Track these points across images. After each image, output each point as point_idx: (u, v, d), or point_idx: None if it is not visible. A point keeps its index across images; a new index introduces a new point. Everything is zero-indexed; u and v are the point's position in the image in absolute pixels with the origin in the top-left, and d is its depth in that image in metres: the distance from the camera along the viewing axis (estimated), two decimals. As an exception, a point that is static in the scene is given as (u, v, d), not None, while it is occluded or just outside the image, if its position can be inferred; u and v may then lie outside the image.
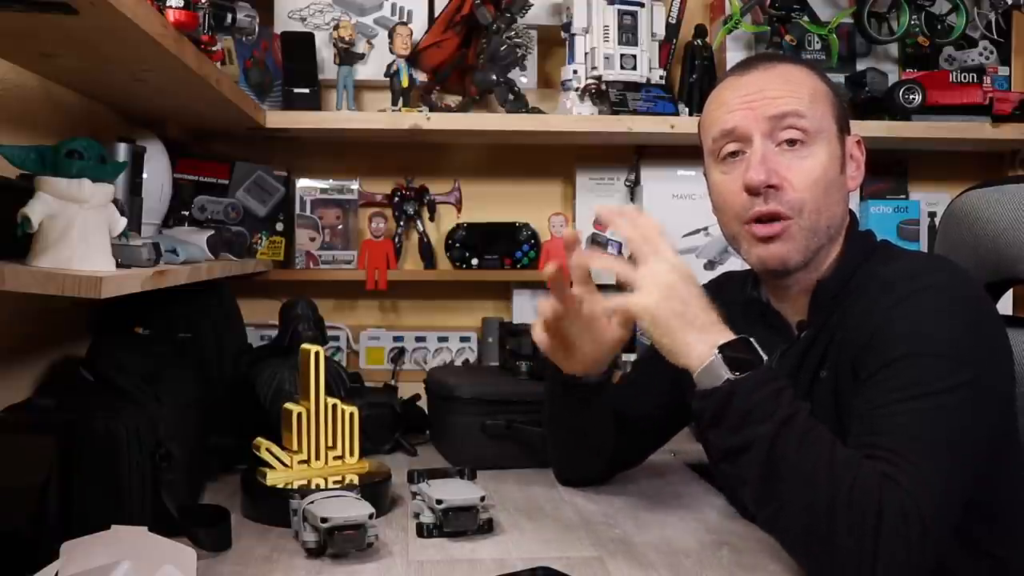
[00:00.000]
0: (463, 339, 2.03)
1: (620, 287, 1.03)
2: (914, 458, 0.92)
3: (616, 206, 1.09)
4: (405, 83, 1.86)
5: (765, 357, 0.98)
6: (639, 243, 1.02)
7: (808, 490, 0.91)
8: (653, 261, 1.00)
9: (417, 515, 1.18)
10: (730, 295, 1.25)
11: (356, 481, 1.25)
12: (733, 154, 1.13)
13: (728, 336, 0.98)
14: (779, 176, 1.09)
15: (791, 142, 1.10)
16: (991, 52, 2.02)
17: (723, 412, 0.96)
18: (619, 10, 1.87)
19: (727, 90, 1.16)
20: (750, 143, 1.11)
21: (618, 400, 1.31)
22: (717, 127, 1.14)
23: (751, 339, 0.98)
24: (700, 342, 0.97)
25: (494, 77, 1.86)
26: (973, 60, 2.01)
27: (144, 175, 1.42)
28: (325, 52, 1.91)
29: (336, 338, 2.00)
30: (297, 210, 1.94)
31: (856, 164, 1.17)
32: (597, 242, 1.99)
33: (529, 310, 2.01)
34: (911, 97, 1.90)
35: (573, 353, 1.19)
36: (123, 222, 1.05)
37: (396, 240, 1.98)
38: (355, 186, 1.98)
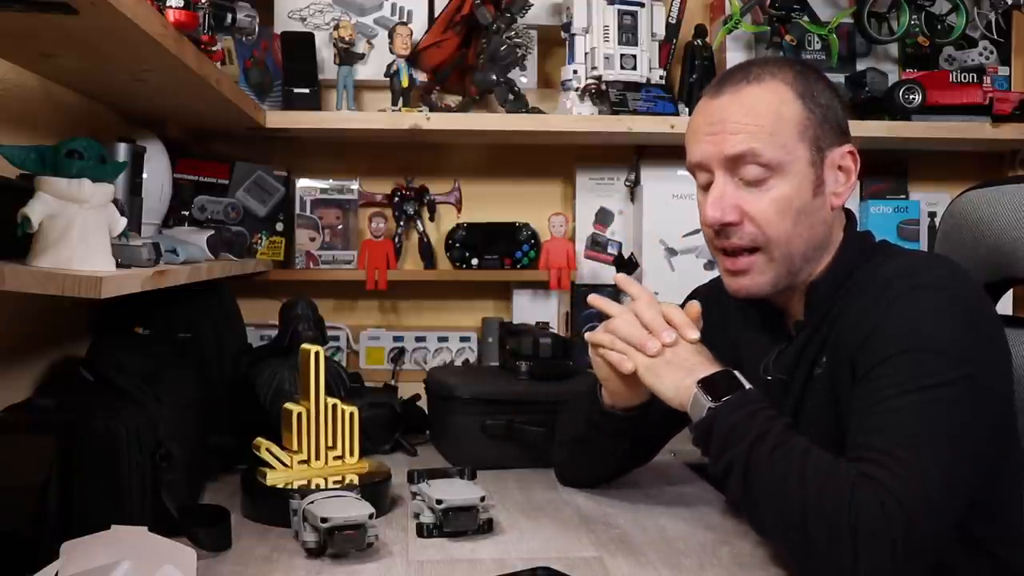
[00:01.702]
0: (463, 339, 2.03)
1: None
2: (905, 454, 0.92)
3: (604, 299, 1.20)
4: (405, 83, 1.86)
5: (747, 386, 1.04)
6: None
7: (781, 501, 0.95)
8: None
9: (417, 515, 1.18)
10: (728, 294, 1.25)
11: (356, 481, 1.25)
12: (706, 184, 1.13)
13: (711, 370, 1.06)
14: (739, 212, 1.09)
15: (753, 179, 1.08)
16: (991, 52, 2.02)
17: (708, 440, 1.02)
18: (619, 10, 1.88)
19: (700, 115, 1.14)
20: (714, 177, 1.11)
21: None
22: (689, 155, 1.15)
23: (734, 372, 1.05)
24: (685, 381, 1.06)
25: (494, 77, 1.86)
26: (973, 60, 2.01)
27: (144, 175, 1.42)
28: (325, 52, 1.91)
29: (336, 338, 2.00)
30: (297, 210, 1.95)
31: (845, 176, 1.12)
32: (597, 242, 1.99)
33: (529, 310, 2.01)
34: (911, 97, 1.90)
35: (625, 382, 1.17)
36: (123, 222, 1.05)
37: (396, 240, 1.98)
38: (355, 186, 1.98)
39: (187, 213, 1.70)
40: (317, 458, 1.28)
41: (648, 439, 1.35)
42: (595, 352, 1.18)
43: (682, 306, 1.38)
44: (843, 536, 0.89)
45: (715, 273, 1.49)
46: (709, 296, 1.34)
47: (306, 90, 1.87)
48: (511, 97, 1.87)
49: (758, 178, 1.08)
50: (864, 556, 0.88)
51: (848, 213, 1.17)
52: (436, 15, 1.93)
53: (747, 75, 1.11)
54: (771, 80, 1.10)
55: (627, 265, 1.94)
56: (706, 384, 1.04)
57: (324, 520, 1.06)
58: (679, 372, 1.07)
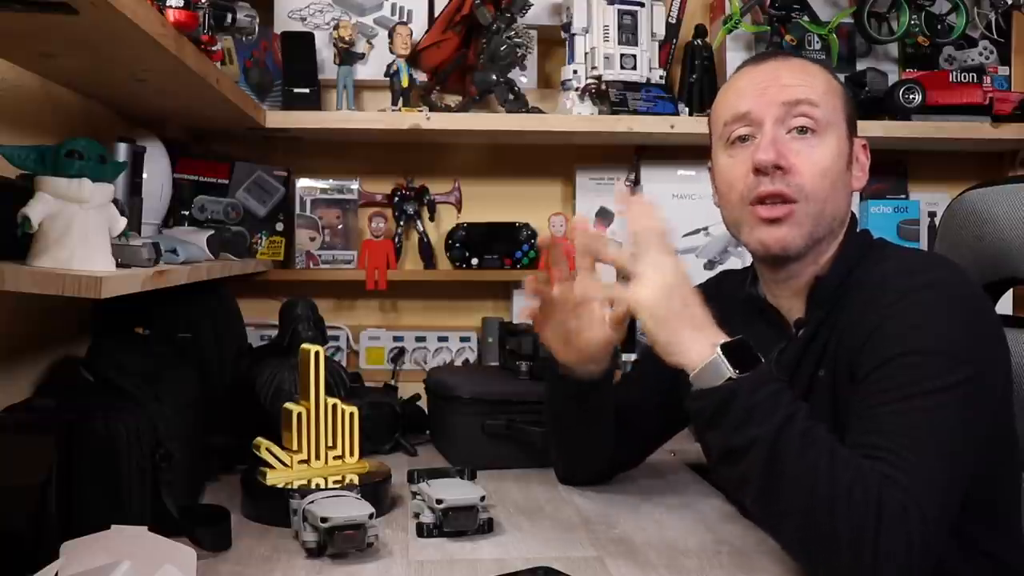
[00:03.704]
0: (463, 339, 2.03)
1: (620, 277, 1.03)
2: (913, 457, 0.92)
3: (627, 194, 1.06)
4: (405, 83, 1.86)
5: (763, 359, 0.97)
6: (645, 234, 1.00)
7: (809, 489, 0.91)
8: (656, 254, 0.99)
9: (417, 515, 1.18)
10: (729, 292, 1.25)
11: (356, 481, 1.25)
12: (743, 138, 1.14)
13: (725, 337, 0.97)
14: (788, 160, 1.09)
15: (802, 130, 1.11)
16: (991, 52, 2.02)
17: (725, 411, 0.94)
18: (619, 10, 1.88)
19: (742, 78, 1.17)
20: (761, 127, 1.11)
21: (618, 399, 1.31)
22: (729, 111, 1.15)
23: (748, 341, 0.98)
24: (699, 340, 0.97)
25: (494, 77, 1.86)
26: (973, 60, 2.01)
27: (144, 175, 1.42)
28: (325, 52, 1.91)
29: (336, 338, 2.00)
30: (297, 210, 1.94)
31: (861, 167, 1.17)
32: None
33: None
34: (911, 97, 1.90)
35: (569, 340, 1.18)
36: (123, 222, 1.05)
37: (396, 240, 1.98)
38: (355, 186, 1.98)
39: (187, 213, 1.70)
40: (317, 458, 1.28)
41: (639, 428, 1.35)
42: (542, 319, 1.17)
43: None
44: (867, 531, 0.88)
45: (715, 272, 1.49)
46: (710, 293, 1.34)
47: (306, 90, 1.86)
48: (511, 97, 1.87)
49: (808, 127, 1.10)
50: (884, 552, 0.87)
51: (851, 214, 1.18)
52: (436, 15, 1.93)
53: (787, 53, 1.22)
54: (811, 60, 1.19)
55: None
56: (728, 351, 0.96)
57: (324, 520, 1.06)
58: (688, 327, 0.97)
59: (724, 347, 0.96)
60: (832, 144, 1.11)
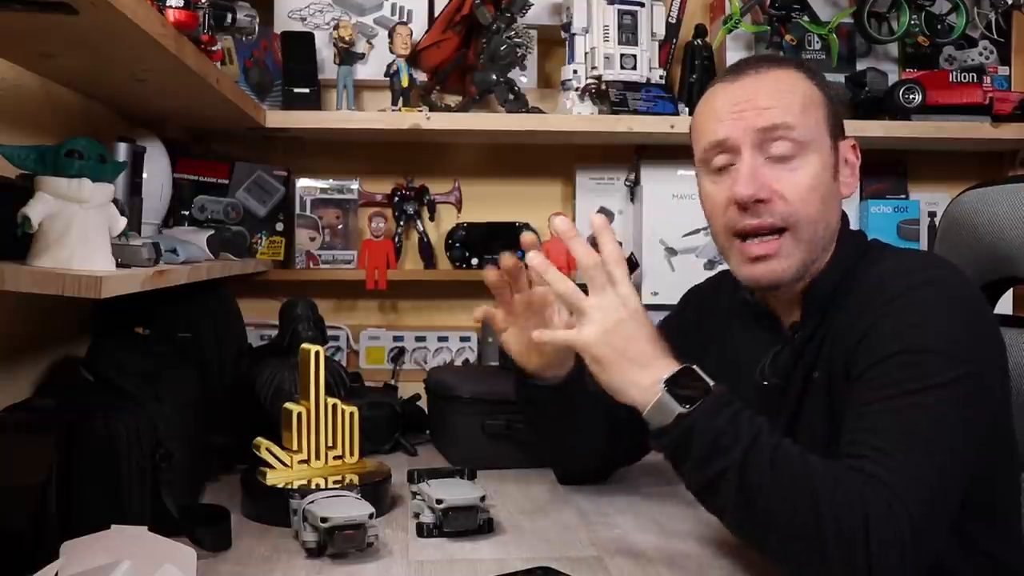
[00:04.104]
0: (463, 339, 2.03)
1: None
2: (901, 455, 0.91)
3: (569, 233, 1.05)
4: (405, 83, 1.86)
5: (711, 383, 0.96)
6: (594, 271, 1.00)
7: (789, 508, 0.90)
8: (602, 295, 1.00)
9: (417, 515, 1.18)
10: (727, 293, 1.25)
11: (356, 481, 1.25)
12: (723, 167, 1.10)
13: (672, 368, 0.96)
14: (769, 190, 1.06)
15: (783, 155, 1.07)
16: (991, 52, 2.02)
17: (687, 449, 0.94)
18: (619, 10, 1.87)
19: (718, 96, 1.12)
20: (739, 155, 1.08)
21: (611, 397, 1.30)
22: (707, 138, 1.12)
23: (694, 367, 0.97)
24: (645, 377, 0.96)
25: (494, 77, 1.86)
26: (973, 60, 2.01)
27: (144, 175, 1.42)
28: (325, 52, 1.91)
29: (336, 338, 2.00)
30: (297, 210, 1.94)
31: (851, 169, 1.14)
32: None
33: (529, 310, 2.01)
34: (911, 97, 1.90)
35: (531, 345, 1.19)
36: (123, 222, 1.05)
37: (396, 240, 1.98)
38: (355, 186, 1.98)
39: (187, 213, 1.70)
40: (317, 458, 1.28)
41: (633, 424, 1.34)
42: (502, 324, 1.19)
43: (683, 306, 1.39)
44: (856, 540, 0.86)
45: (715, 272, 1.49)
46: (707, 294, 1.34)
47: (306, 90, 1.86)
48: (511, 97, 1.87)
49: (787, 154, 1.06)
50: (876, 558, 0.86)
51: (842, 214, 1.17)
52: (436, 15, 1.92)
53: (764, 61, 1.14)
54: (789, 67, 1.13)
55: (627, 265, 1.93)
56: (672, 385, 0.95)
57: (324, 520, 1.06)
58: (630, 367, 0.97)
59: (669, 381, 0.95)
60: (815, 162, 1.07)
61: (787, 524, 0.90)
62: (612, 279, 1.01)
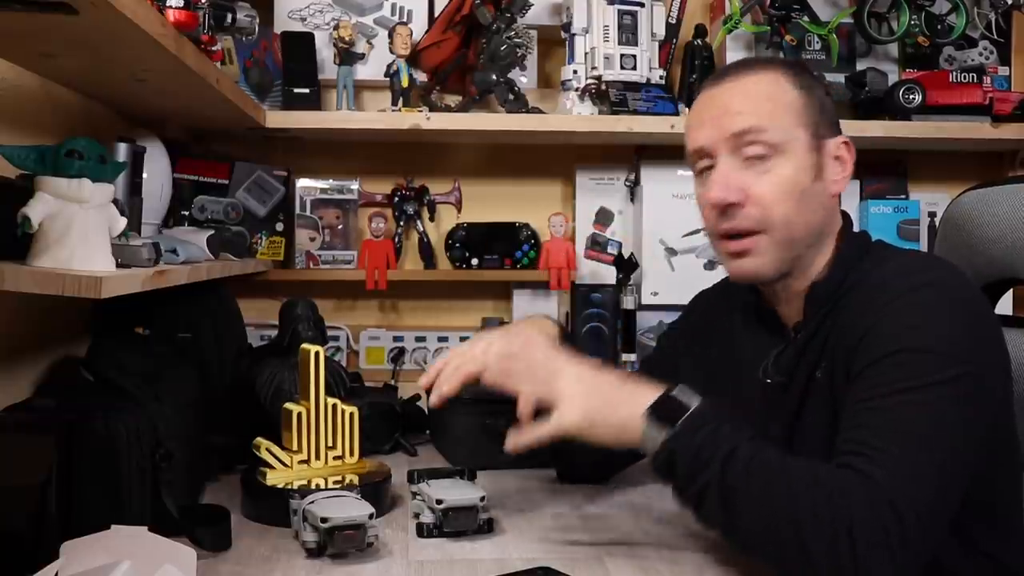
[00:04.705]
0: (463, 339, 2.02)
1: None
2: (896, 452, 0.91)
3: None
4: (405, 83, 1.86)
5: (694, 402, 0.99)
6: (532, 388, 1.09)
7: (769, 515, 0.91)
8: (554, 381, 1.07)
9: (417, 515, 1.18)
10: (731, 296, 1.25)
11: (356, 481, 1.25)
12: (705, 170, 1.14)
13: (651, 396, 1.01)
14: (741, 193, 1.09)
15: (756, 157, 1.09)
16: (991, 52, 2.02)
17: (673, 470, 0.98)
18: (619, 10, 1.87)
19: (701, 103, 1.16)
20: (716, 160, 1.11)
21: None
22: (691, 143, 1.15)
23: (674, 392, 1.01)
24: (631, 415, 1.01)
25: (494, 77, 1.86)
26: (973, 60, 2.01)
27: (144, 175, 1.42)
28: (325, 52, 1.91)
29: (336, 338, 2.00)
30: (297, 210, 1.94)
31: (842, 166, 1.14)
32: (597, 242, 1.99)
33: (529, 310, 2.01)
34: (911, 97, 1.90)
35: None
36: (123, 222, 1.05)
37: (396, 240, 1.98)
38: (355, 186, 1.98)
39: (187, 213, 1.70)
40: (317, 458, 1.28)
41: None
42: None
43: (689, 311, 1.39)
44: (841, 541, 0.87)
45: (715, 273, 1.50)
46: (713, 298, 1.35)
47: (306, 90, 1.86)
48: (511, 97, 1.87)
49: (760, 155, 1.09)
50: (863, 557, 0.86)
51: (844, 215, 1.17)
52: (436, 15, 1.93)
53: (745, 67, 1.16)
54: (770, 70, 1.14)
55: (627, 265, 1.94)
56: (654, 413, 1.00)
57: (324, 520, 1.06)
58: (621, 411, 1.03)
59: (651, 409, 1.00)
60: (790, 164, 1.09)
61: (769, 532, 0.91)
62: (549, 372, 1.09)
